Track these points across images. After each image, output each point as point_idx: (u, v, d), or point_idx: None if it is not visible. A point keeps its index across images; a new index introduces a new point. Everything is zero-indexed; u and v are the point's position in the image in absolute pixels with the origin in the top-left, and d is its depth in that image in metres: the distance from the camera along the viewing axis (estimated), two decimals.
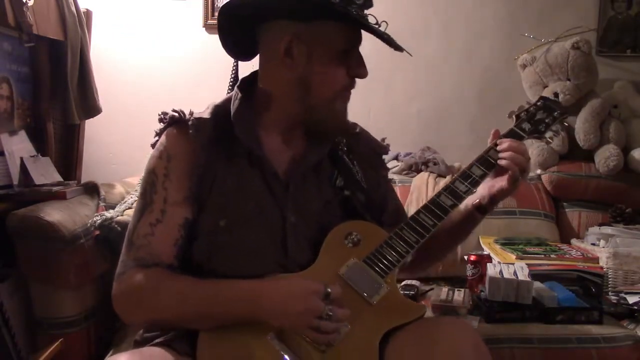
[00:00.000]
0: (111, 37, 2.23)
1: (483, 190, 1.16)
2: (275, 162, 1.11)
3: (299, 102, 1.08)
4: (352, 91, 1.14)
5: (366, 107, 2.32)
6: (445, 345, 0.95)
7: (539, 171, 2.19)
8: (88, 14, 2.03)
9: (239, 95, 1.13)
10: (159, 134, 1.13)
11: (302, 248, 1.09)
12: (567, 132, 2.14)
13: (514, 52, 2.31)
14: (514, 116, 1.27)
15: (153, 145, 1.13)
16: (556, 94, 2.15)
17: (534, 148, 2.17)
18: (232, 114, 1.11)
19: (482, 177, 1.15)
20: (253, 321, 0.98)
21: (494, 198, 1.17)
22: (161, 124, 1.12)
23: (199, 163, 1.06)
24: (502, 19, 2.37)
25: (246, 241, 1.06)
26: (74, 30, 1.85)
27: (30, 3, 1.57)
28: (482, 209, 1.18)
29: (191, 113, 1.10)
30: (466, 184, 1.14)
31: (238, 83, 1.16)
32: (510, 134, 1.21)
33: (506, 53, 2.35)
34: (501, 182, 1.14)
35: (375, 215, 1.19)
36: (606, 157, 2.07)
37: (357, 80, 1.14)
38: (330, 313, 0.96)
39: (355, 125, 1.28)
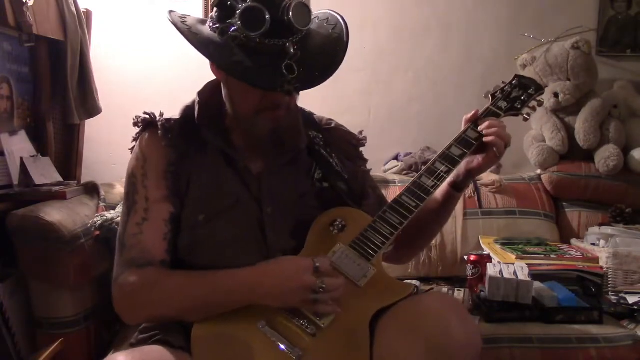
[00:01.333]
0: (111, 37, 2.22)
1: (459, 167, 1.19)
2: (248, 158, 1.14)
3: (230, 110, 1.13)
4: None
5: (366, 107, 2.32)
6: (432, 319, 0.97)
7: (539, 171, 2.19)
8: (88, 14, 2.03)
9: (197, 99, 1.17)
10: (135, 138, 1.18)
11: (281, 238, 1.12)
12: (567, 132, 2.14)
13: (514, 52, 2.31)
14: (489, 96, 1.29)
15: (131, 150, 1.18)
16: (556, 94, 2.15)
17: (534, 148, 2.17)
18: (196, 117, 1.15)
19: (462, 157, 1.17)
20: (250, 306, 1.01)
21: (471, 173, 1.21)
22: (136, 127, 1.18)
23: (171, 162, 1.11)
24: (502, 19, 2.37)
25: (225, 234, 1.09)
26: (74, 30, 1.85)
27: (30, 3, 1.56)
28: (457, 186, 1.22)
29: (161, 114, 1.16)
30: (446, 164, 1.16)
31: (202, 87, 1.20)
32: (488, 113, 1.24)
33: (506, 53, 2.34)
34: (480, 158, 1.19)
35: (357, 203, 1.21)
36: (606, 157, 2.07)
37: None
38: (324, 285, 0.99)
39: (330, 121, 1.31)
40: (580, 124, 2.11)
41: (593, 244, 1.89)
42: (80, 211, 1.55)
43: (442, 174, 1.15)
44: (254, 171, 1.14)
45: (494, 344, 1.41)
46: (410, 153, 2.25)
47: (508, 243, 1.87)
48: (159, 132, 1.13)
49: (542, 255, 1.75)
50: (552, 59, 2.18)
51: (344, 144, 1.28)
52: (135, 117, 1.18)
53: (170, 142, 1.12)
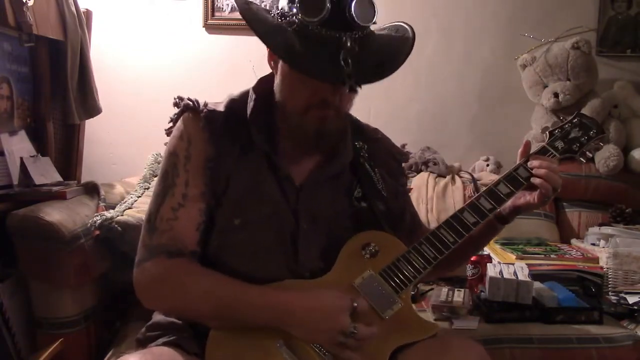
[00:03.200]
0: (111, 37, 2.23)
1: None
2: (292, 167, 1.09)
3: (279, 103, 1.07)
4: None
5: (366, 107, 2.32)
6: None
7: None
8: (88, 14, 2.03)
9: (254, 96, 1.11)
10: (173, 120, 1.12)
11: (312, 255, 1.08)
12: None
13: (514, 52, 2.31)
14: (547, 132, 1.23)
15: (167, 132, 1.12)
16: (556, 94, 2.15)
17: (534, 148, 2.17)
18: (248, 114, 1.09)
19: (508, 195, 1.12)
20: (270, 328, 0.98)
21: (517, 210, 1.16)
22: (175, 108, 1.11)
23: (210, 157, 1.05)
24: (502, 19, 2.37)
25: (258, 242, 1.05)
26: (74, 30, 1.85)
27: (30, 3, 1.56)
28: (503, 219, 1.18)
29: (205, 104, 1.09)
30: (491, 201, 1.11)
31: (255, 83, 1.14)
32: (542, 152, 1.18)
33: (506, 53, 2.35)
34: (528, 196, 1.14)
35: (393, 226, 1.16)
36: (606, 157, 2.07)
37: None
38: (355, 331, 0.95)
39: (376, 130, 1.27)
40: None
41: (593, 244, 1.89)
42: (80, 211, 1.55)
43: (485, 211, 1.11)
44: (295, 181, 1.09)
45: (494, 344, 1.41)
46: (411, 153, 2.24)
47: (508, 243, 1.87)
48: (201, 123, 1.06)
49: (542, 255, 1.76)
50: (552, 59, 2.18)
51: (387, 158, 1.23)
52: (178, 97, 1.11)
53: (211, 136, 1.06)
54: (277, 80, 1.07)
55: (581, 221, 2.11)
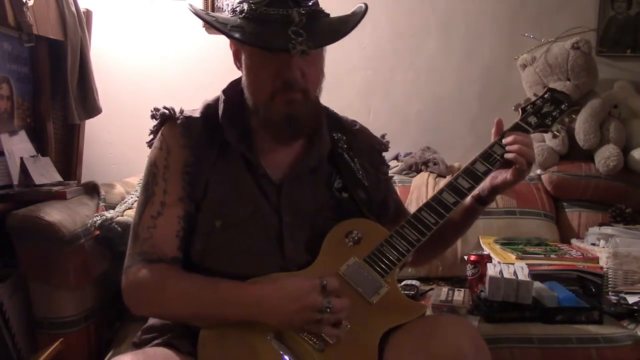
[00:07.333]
0: (111, 37, 2.23)
1: (484, 181, 1.16)
2: (269, 164, 1.11)
3: (249, 100, 1.10)
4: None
5: (366, 107, 2.32)
6: (445, 343, 0.95)
7: (539, 171, 2.19)
8: (88, 14, 2.03)
9: (223, 98, 1.14)
10: (153, 132, 1.15)
11: (298, 248, 1.09)
12: (567, 132, 2.14)
13: (514, 52, 2.31)
14: (519, 109, 1.24)
15: (149, 144, 1.15)
16: None
17: (534, 148, 2.17)
18: (219, 117, 1.12)
19: (486, 173, 1.14)
20: (255, 322, 0.99)
21: (495, 189, 1.17)
22: (154, 120, 1.14)
23: (189, 162, 1.08)
24: (502, 19, 2.37)
25: (242, 242, 1.06)
26: (74, 30, 1.85)
27: (30, 3, 1.56)
28: (481, 200, 1.19)
29: (181, 111, 1.12)
30: (469, 180, 1.13)
31: (226, 86, 1.17)
32: (516, 129, 1.19)
33: (506, 53, 2.35)
34: (504, 174, 1.15)
35: (376, 214, 1.18)
36: (606, 157, 2.07)
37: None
38: (330, 305, 0.96)
39: (354, 122, 1.28)
40: (580, 124, 2.11)
41: (593, 244, 1.89)
42: (80, 211, 1.55)
43: (464, 190, 1.12)
44: (274, 178, 1.10)
45: (494, 344, 1.41)
46: (410, 153, 2.25)
47: (508, 243, 1.87)
48: (178, 130, 1.09)
49: (542, 255, 1.75)
50: (552, 59, 2.18)
51: (367, 148, 1.24)
52: (155, 109, 1.14)
53: (189, 142, 1.08)
54: (243, 77, 1.10)
55: (581, 221, 2.11)
